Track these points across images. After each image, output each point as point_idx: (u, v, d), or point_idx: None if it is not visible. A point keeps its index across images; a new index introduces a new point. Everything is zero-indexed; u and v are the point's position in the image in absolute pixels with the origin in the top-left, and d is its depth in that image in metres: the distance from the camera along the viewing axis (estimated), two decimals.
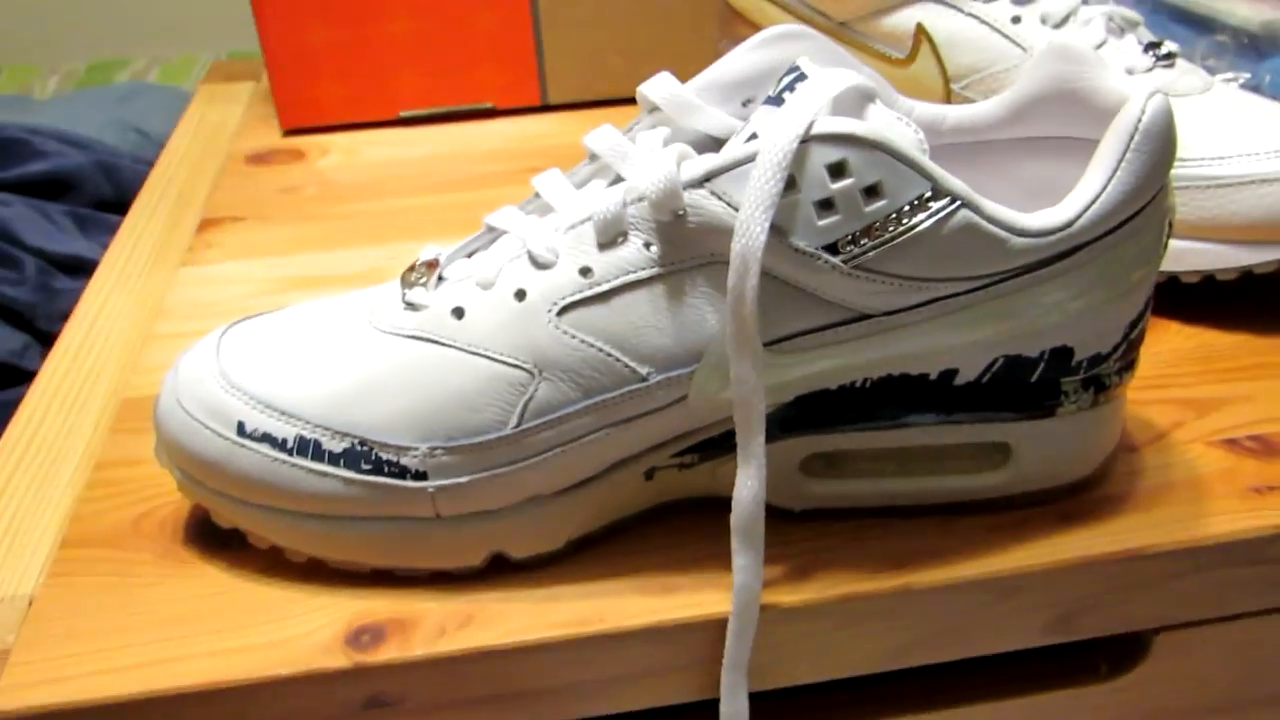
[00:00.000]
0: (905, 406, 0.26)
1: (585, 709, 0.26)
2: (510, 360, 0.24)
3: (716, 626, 0.25)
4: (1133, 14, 0.37)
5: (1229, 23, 0.45)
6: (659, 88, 0.26)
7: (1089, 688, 0.30)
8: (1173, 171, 0.33)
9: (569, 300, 0.24)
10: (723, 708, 0.25)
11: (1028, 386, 0.26)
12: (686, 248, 0.23)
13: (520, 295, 0.24)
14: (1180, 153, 0.33)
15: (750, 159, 0.22)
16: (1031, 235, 0.23)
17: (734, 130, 0.26)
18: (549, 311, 0.24)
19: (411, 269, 0.26)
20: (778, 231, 0.22)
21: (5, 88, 1.18)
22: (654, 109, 0.26)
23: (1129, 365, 0.27)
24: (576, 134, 0.26)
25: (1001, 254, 0.23)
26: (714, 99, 0.26)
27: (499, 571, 0.26)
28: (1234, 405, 0.31)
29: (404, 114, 0.51)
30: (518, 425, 0.24)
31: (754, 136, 0.23)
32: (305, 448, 0.25)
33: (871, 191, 0.22)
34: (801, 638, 0.26)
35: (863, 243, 0.23)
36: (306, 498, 0.25)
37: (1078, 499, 0.28)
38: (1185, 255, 0.34)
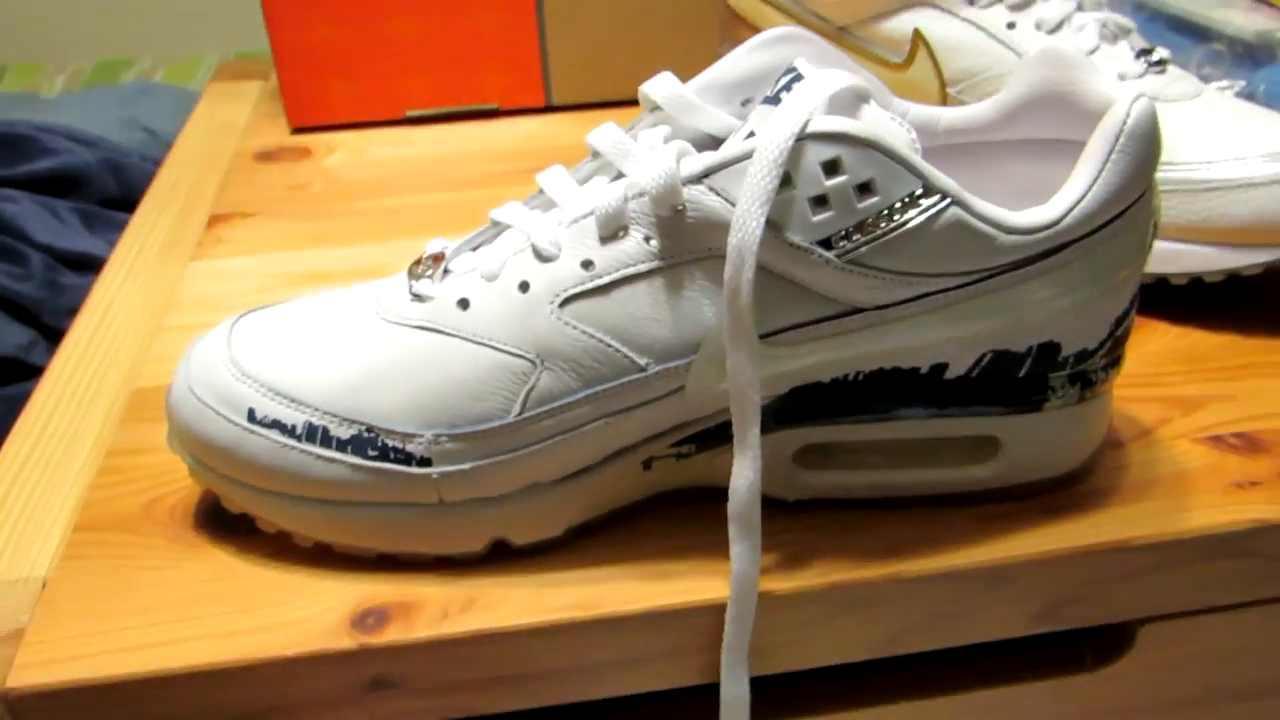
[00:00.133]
0: (896, 400, 0.26)
1: (584, 692, 0.27)
2: (513, 350, 0.25)
3: (714, 612, 0.26)
4: (1126, 21, 0.38)
5: (1225, 32, 0.46)
6: (660, 87, 0.27)
7: (1076, 677, 0.30)
8: (1161, 175, 0.34)
9: (571, 292, 0.25)
10: (723, 691, 0.26)
11: (1016, 381, 0.26)
12: (685, 242, 0.24)
13: (524, 287, 0.25)
14: (1169, 157, 0.34)
15: (747, 156, 0.23)
16: (1019, 233, 0.24)
17: (733, 129, 0.27)
18: (551, 303, 0.25)
19: (418, 261, 0.27)
20: (773, 227, 0.23)
21: (12, 85, 1.19)
22: (655, 108, 0.27)
23: (1115, 361, 0.27)
24: (579, 134, 0.26)
25: (990, 251, 0.24)
26: (714, 99, 0.27)
27: (500, 557, 0.27)
28: (1219, 403, 0.32)
29: (410, 113, 0.52)
30: (520, 413, 0.25)
31: (752, 135, 0.24)
32: (314, 434, 0.25)
33: (864, 188, 0.23)
34: (795, 624, 0.27)
35: (855, 238, 0.23)
36: (314, 483, 0.26)
37: (1064, 492, 0.29)
38: (1174, 257, 0.35)
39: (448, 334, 0.25)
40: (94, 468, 0.31)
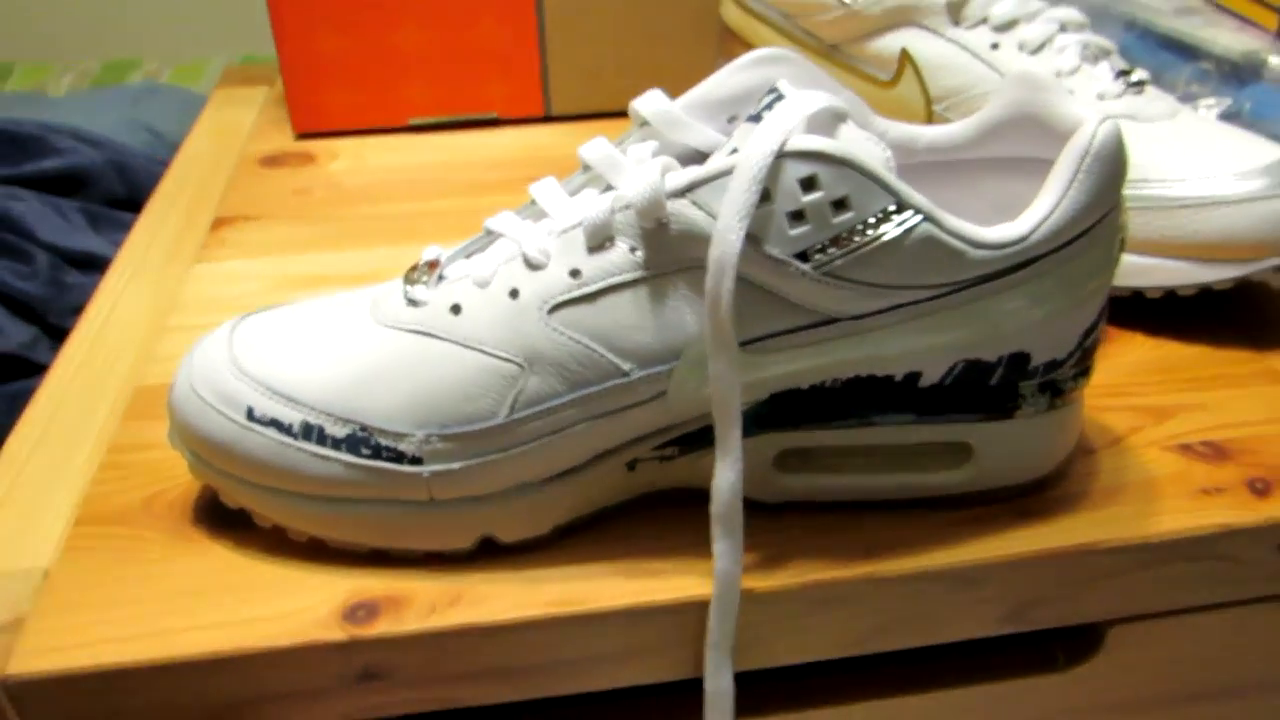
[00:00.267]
0: (873, 406, 0.27)
1: (570, 686, 0.27)
2: (502, 354, 0.26)
3: (697, 608, 0.26)
4: (1107, 42, 0.39)
5: (1212, 51, 0.47)
6: (649, 103, 0.28)
7: (1049, 677, 0.31)
8: (1137, 192, 0.35)
9: (559, 299, 0.25)
10: (707, 685, 0.26)
11: (988, 389, 0.27)
12: (669, 253, 0.25)
13: (514, 294, 0.26)
14: (1145, 174, 0.35)
15: (729, 172, 0.24)
16: (989, 247, 0.25)
17: (718, 144, 0.28)
18: (540, 309, 0.25)
19: (414, 268, 0.28)
20: (753, 239, 0.24)
21: (20, 85, 1.19)
22: (644, 123, 0.28)
23: (1084, 371, 0.28)
24: (577, 144, 0.27)
25: (961, 264, 0.25)
26: (701, 115, 0.28)
27: (488, 554, 0.27)
28: (1190, 413, 0.33)
29: (413, 121, 0.53)
30: (509, 415, 0.26)
31: (735, 151, 0.25)
32: (310, 432, 0.26)
33: (840, 204, 0.24)
34: (774, 621, 0.27)
35: (831, 251, 0.24)
36: (309, 480, 0.26)
37: (1036, 497, 0.29)
38: (1148, 271, 0.35)
39: (440, 338, 0.26)
40: (96, 463, 0.31)
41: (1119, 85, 0.37)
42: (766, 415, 0.27)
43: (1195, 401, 0.33)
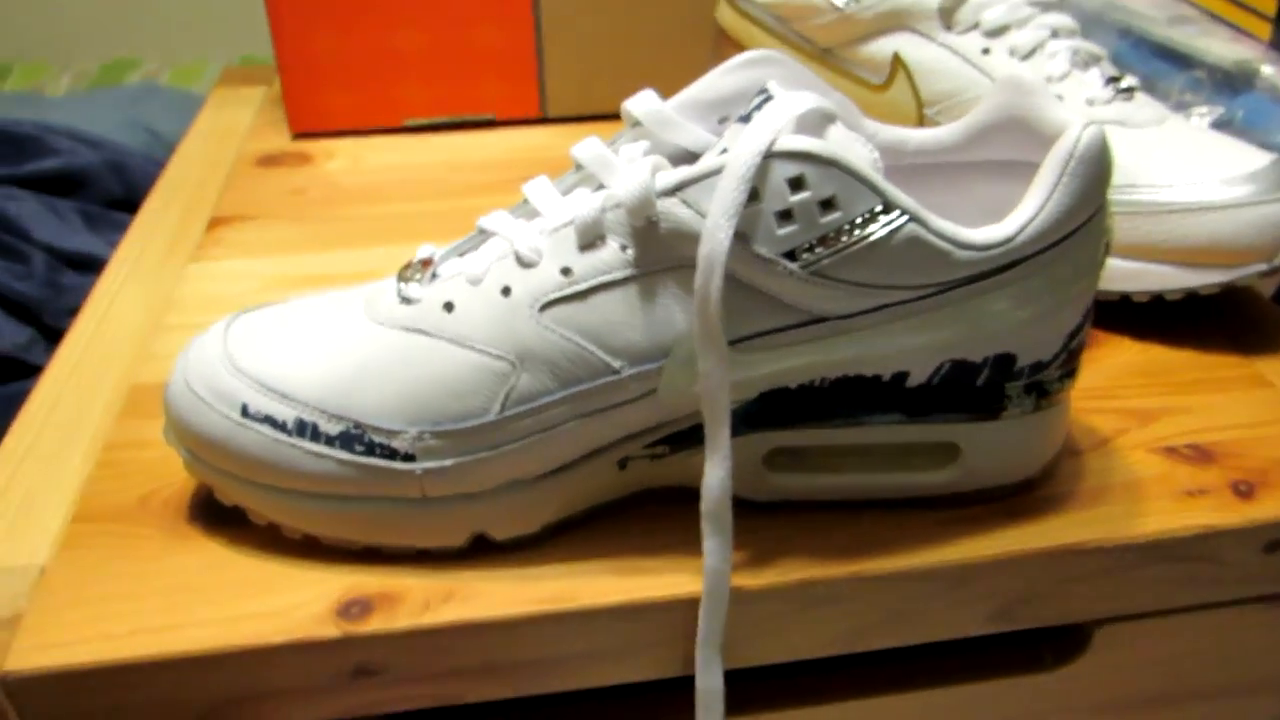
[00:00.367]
0: (861, 406, 0.27)
1: (561, 682, 0.28)
2: (494, 352, 0.26)
3: (687, 606, 0.27)
4: (1097, 49, 0.39)
5: (1206, 60, 0.48)
6: (641, 104, 0.28)
7: (1036, 676, 0.31)
8: (1124, 197, 0.36)
9: (550, 297, 0.26)
10: (698, 683, 0.26)
11: (974, 390, 0.27)
12: (658, 251, 0.25)
13: (506, 292, 0.26)
14: (1132, 179, 0.35)
15: (718, 171, 0.24)
16: (974, 249, 0.25)
17: (709, 145, 0.28)
18: (531, 307, 0.26)
19: (408, 266, 0.28)
20: (741, 238, 0.24)
21: (18, 85, 1.19)
22: (636, 123, 0.28)
23: (1070, 373, 0.28)
24: (573, 145, 0.28)
25: (946, 265, 0.25)
26: (692, 116, 0.28)
27: (480, 551, 0.28)
28: (1175, 416, 0.33)
29: (409, 122, 0.53)
30: (500, 412, 0.26)
31: (725, 151, 0.25)
32: (303, 429, 0.26)
33: (827, 204, 0.24)
34: (764, 619, 0.28)
35: (818, 250, 0.25)
36: (303, 477, 0.27)
37: (1022, 497, 0.30)
38: (1136, 276, 0.36)
39: (432, 335, 0.26)
40: (93, 461, 0.31)
41: (1109, 91, 0.38)
42: (756, 414, 0.27)
43: (1181, 405, 0.33)
